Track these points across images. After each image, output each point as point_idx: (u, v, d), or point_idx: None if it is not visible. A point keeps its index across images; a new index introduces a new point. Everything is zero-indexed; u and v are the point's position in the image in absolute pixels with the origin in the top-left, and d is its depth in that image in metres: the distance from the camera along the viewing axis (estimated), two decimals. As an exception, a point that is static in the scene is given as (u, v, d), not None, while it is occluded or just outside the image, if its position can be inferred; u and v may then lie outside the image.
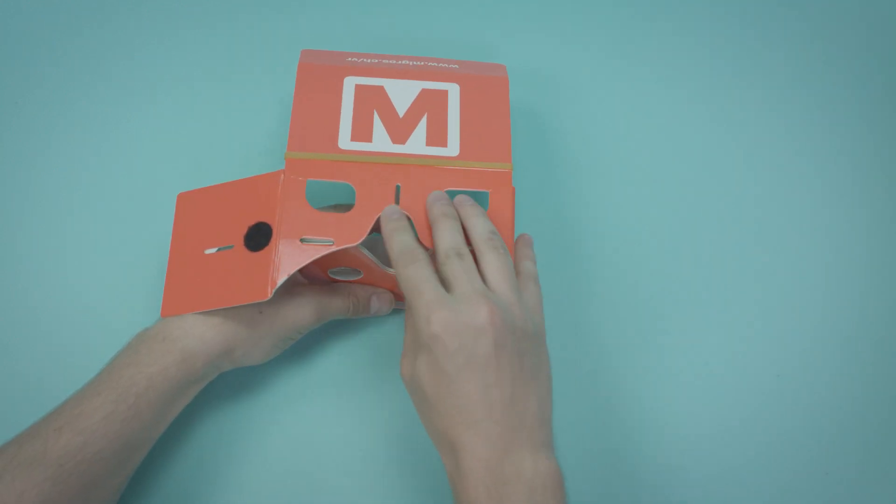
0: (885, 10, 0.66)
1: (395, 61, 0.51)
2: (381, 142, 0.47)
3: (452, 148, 0.47)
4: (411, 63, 0.51)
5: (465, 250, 0.41)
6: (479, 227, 0.43)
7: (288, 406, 0.49)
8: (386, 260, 0.46)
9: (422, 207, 0.45)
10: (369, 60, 0.51)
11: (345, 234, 0.44)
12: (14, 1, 0.63)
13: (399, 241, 0.42)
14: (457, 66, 0.51)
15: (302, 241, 0.44)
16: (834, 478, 0.48)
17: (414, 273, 0.40)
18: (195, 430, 0.48)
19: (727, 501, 0.48)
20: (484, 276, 0.41)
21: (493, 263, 0.41)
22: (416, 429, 0.41)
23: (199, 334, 0.43)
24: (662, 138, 0.59)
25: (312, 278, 0.49)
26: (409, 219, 0.44)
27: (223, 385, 0.49)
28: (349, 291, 0.49)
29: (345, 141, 0.47)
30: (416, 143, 0.47)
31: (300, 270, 0.48)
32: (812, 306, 0.54)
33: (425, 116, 0.48)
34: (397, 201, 0.45)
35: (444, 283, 0.40)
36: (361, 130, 0.48)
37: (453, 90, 0.50)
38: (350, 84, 0.49)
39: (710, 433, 0.49)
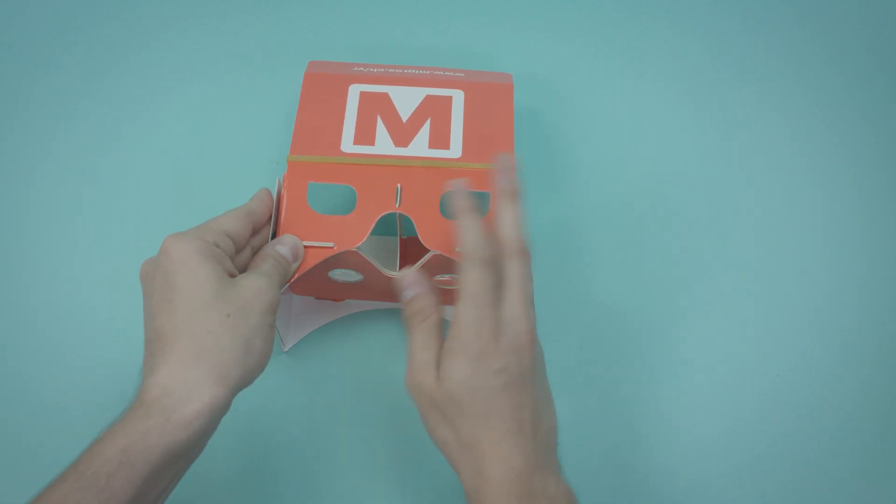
0: (885, 10, 0.66)
1: (400, 70, 0.52)
2: (383, 145, 0.47)
3: (455, 150, 0.47)
4: (417, 72, 0.51)
5: (490, 260, 0.40)
6: (509, 228, 0.41)
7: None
8: (386, 262, 0.46)
9: (423, 208, 0.45)
10: (375, 70, 0.52)
11: (345, 237, 0.44)
12: (14, 1, 0.63)
13: (422, 331, 0.41)
14: (462, 75, 0.52)
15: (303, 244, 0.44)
16: (834, 478, 0.48)
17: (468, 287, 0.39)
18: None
19: (727, 501, 0.48)
20: (506, 287, 0.40)
21: (517, 279, 0.40)
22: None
23: (182, 380, 0.35)
24: (663, 139, 0.59)
25: (313, 281, 0.49)
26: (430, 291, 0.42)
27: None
28: (257, 256, 0.43)
29: (347, 144, 0.47)
30: (419, 146, 0.47)
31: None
32: (812, 306, 0.54)
33: (429, 121, 0.48)
34: (398, 202, 0.45)
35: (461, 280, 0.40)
36: (364, 134, 0.48)
37: (458, 96, 0.50)
38: (355, 91, 0.50)
39: (711, 433, 0.49)
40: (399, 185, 0.45)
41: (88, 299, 0.52)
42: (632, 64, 0.63)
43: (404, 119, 0.48)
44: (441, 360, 0.39)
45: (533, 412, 0.38)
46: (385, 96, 0.49)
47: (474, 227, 0.41)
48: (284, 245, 0.43)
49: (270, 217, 0.45)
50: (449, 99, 0.50)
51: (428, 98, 0.49)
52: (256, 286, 0.39)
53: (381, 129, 0.48)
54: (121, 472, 0.33)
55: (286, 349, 0.50)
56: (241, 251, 0.43)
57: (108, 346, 0.50)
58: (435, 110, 0.49)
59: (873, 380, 0.51)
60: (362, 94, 0.49)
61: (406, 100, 0.49)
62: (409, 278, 0.43)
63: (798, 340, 0.53)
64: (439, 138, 0.48)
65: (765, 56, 0.63)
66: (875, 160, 0.59)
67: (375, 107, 0.49)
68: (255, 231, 0.44)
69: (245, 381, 0.38)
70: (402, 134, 0.48)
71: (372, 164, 0.46)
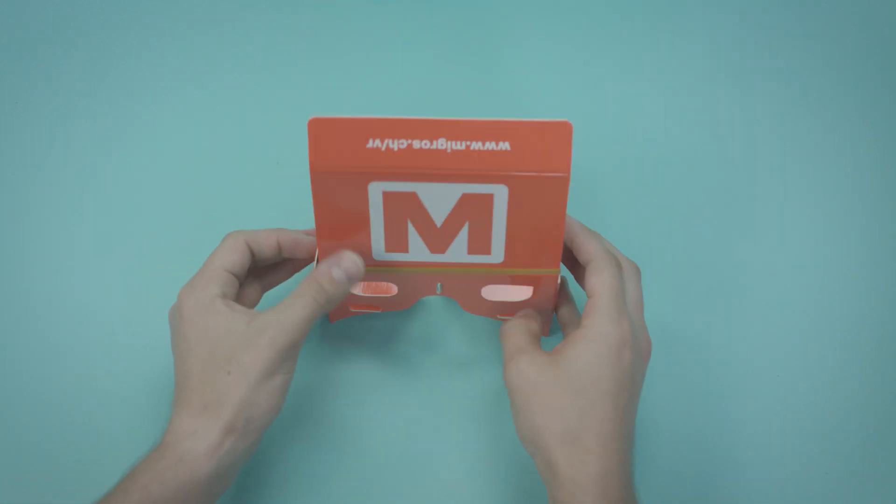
0: (885, 10, 0.66)
1: (428, 143, 0.39)
2: (417, 251, 0.43)
3: (497, 255, 0.43)
4: (449, 147, 0.39)
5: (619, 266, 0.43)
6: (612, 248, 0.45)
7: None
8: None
9: (465, 299, 0.47)
10: (395, 145, 0.39)
11: (388, 306, 0.48)
12: (14, 1, 0.63)
13: None
14: (507, 146, 0.39)
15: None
16: (834, 478, 0.48)
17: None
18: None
19: (726, 501, 0.48)
20: (628, 298, 0.42)
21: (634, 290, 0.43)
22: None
23: (191, 430, 0.38)
24: (662, 139, 0.59)
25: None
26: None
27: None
28: (310, 279, 0.42)
29: (379, 252, 0.43)
30: (457, 252, 0.43)
31: None
32: (812, 305, 0.54)
33: (467, 225, 0.41)
34: (439, 292, 0.46)
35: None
36: (396, 241, 0.42)
37: (500, 194, 0.40)
38: (376, 192, 0.40)
39: (709, 433, 0.49)
40: (440, 284, 0.45)
41: (88, 300, 0.52)
42: (630, 64, 0.63)
43: (438, 224, 0.41)
44: (567, 344, 0.40)
45: (631, 417, 0.40)
46: (413, 196, 0.40)
47: (599, 237, 0.43)
48: (339, 267, 0.42)
49: (273, 253, 0.45)
50: (489, 197, 0.40)
51: (465, 197, 0.40)
52: (269, 335, 0.40)
53: (413, 236, 0.42)
54: None
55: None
56: (245, 273, 0.44)
57: (108, 347, 0.50)
58: (473, 212, 0.41)
59: (873, 380, 0.51)
60: (385, 195, 0.40)
61: (439, 201, 0.40)
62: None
63: (798, 340, 0.53)
64: (479, 243, 0.42)
65: (765, 56, 0.63)
66: (875, 160, 0.59)
67: (403, 210, 0.41)
68: (255, 254, 0.44)
69: (256, 426, 0.40)
70: (437, 241, 0.42)
71: (409, 271, 0.44)
